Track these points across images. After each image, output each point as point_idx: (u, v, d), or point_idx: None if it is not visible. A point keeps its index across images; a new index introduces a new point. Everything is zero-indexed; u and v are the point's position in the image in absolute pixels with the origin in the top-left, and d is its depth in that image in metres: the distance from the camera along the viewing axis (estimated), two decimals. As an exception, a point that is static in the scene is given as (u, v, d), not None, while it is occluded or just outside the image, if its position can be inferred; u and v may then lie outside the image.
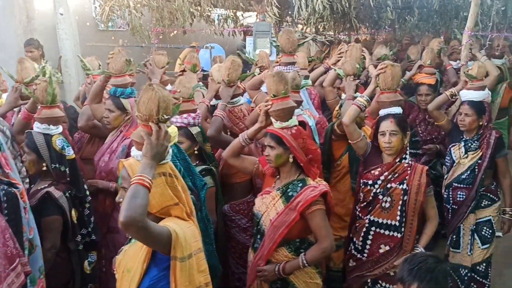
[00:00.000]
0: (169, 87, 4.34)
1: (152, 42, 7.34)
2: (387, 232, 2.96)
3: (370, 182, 3.01)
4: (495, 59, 6.05)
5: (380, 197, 2.97)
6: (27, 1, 6.83)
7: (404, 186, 2.92)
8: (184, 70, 4.37)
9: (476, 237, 3.67)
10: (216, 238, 2.86)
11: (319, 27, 8.74)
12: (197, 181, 2.72)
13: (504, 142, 3.78)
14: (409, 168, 2.94)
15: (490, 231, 3.67)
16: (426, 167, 2.98)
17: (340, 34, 9.38)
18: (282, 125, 2.65)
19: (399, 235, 2.92)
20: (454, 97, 3.96)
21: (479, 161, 3.66)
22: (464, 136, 3.79)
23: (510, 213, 3.67)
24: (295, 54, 3.88)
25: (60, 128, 2.96)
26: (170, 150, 1.96)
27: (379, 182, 2.98)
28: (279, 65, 3.81)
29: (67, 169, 2.88)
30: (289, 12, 7.12)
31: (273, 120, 2.70)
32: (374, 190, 2.99)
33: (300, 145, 2.62)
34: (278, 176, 2.77)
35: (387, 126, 2.93)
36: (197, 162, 3.10)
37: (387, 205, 2.95)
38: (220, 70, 3.74)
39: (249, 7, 7.68)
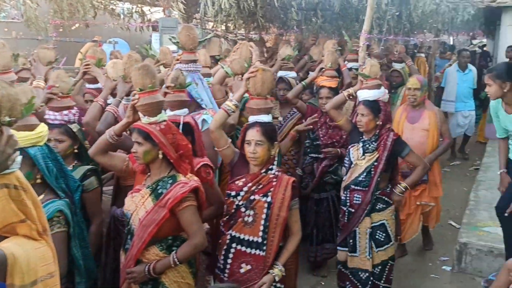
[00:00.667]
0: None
1: (50, 35, 6.90)
2: (248, 250, 2.75)
3: (233, 193, 2.81)
4: (396, 63, 6.46)
5: (243, 210, 2.77)
6: None
7: (268, 199, 2.74)
8: (89, 65, 4.16)
9: (371, 240, 3.63)
10: None
11: (229, 25, 8.78)
12: (71, 183, 2.63)
13: (403, 142, 3.73)
14: (274, 180, 2.79)
15: (384, 234, 3.61)
16: (293, 179, 2.84)
17: (250, 33, 9.51)
18: (150, 120, 2.56)
19: (262, 253, 2.72)
20: (351, 97, 3.91)
21: (375, 163, 3.58)
22: (363, 136, 3.71)
23: (401, 188, 3.66)
24: (196, 52, 3.82)
25: None
26: (19, 158, 1.61)
27: (241, 193, 2.78)
28: (180, 62, 3.73)
29: None
30: (197, 9, 7.05)
31: (140, 115, 2.61)
32: (236, 202, 2.79)
33: (170, 141, 2.54)
34: (149, 174, 2.66)
35: (253, 135, 2.76)
36: (75, 162, 2.98)
37: (250, 219, 2.75)
38: (114, 66, 3.61)
39: (156, 1, 7.50)
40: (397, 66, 6.37)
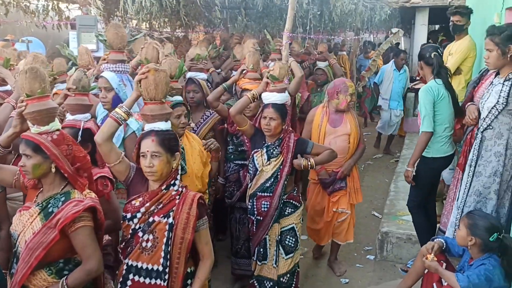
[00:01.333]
0: None
1: (-45, 33, 6.37)
2: (148, 280, 2.40)
3: (128, 215, 2.43)
4: (320, 62, 6.62)
5: (140, 234, 2.40)
6: None
7: (170, 220, 2.38)
8: None
9: (280, 247, 3.56)
10: None
11: (153, 23, 8.59)
12: None
13: (305, 139, 3.73)
14: (177, 197, 2.44)
15: (294, 239, 3.58)
16: (200, 195, 2.51)
17: (176, 31, 9.37)
18: (40, 129, 2.31)
19: (163, 284, 2.38)
20: (255, 100, 3.69)
21: (280, 167, 3.53)
22: (266, 141, 3.60)
23: (308, 161, 3.53)
24: (124, 51, 3.65)
25: None
26: None
27: (138, 215, 2.41)
28: (107, 62, 3.56)
29: None
30: (117, 7, 6.82)
31: (30, 124, 2.35)
32: (132, 226, 2.42)
33: (64, 153, 2.30)
34: (41, 189, 2.41)
35: (147, 146, 2.42)
36: None
37: (149, 244, 2.40)
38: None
39: (73, -2, 7.17)
40: (321, 64, 6.53)
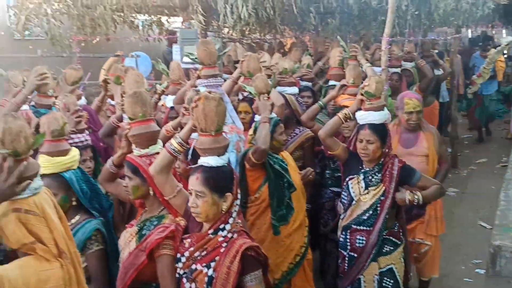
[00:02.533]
0: (82, 101, 4.21)
1: (73, 51, 7.03)
2: None
3: (178, 256, 2.22)
4: (406, 62, 6.38)
5: (184, 281, 2.16)
6: None
7: (210, 271, 2.07)
8: (107, 82, 4.25)
9: None
10: None
11: (244, 29, 8.82)
12: (103, 202, 2.70)
13: (411, 167, 3.20)
14: (224, 245, 2.10)
15: (392, 281, 3.13)
16: (246, 246, 2.08)
17: (265, 36, 9.54)
18: (141, 152, 2.40)
19: None
20: (348, 120, 3.34)
21: (382, 198, 3.09)
22: (364, 166, 3.21)
23: (414, 195, 3.09)
24: (216, 66, 3.79)
25: None
26: (35, 183, 1.80)
27: (183, 259, 2.18)
28: (200, 78, 3.72)
29: None
30: (215, 17, 7.12)
31: (133, 146, 2.46)
32: (178, 270, 2.20)
33: None
34: (146, 209, 2.49)
35: (192, 183, 2.15)
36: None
37: None
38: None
39: (174, 12, 7.58)
40: (407, 65, 6.25)
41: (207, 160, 2.17)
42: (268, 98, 3.34)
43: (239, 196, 2.20)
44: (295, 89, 4.36)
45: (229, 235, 2.13)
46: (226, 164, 2.20)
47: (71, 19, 7.00)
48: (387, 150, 3.17)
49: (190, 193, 2.14)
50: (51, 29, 6.55)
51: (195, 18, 6.05)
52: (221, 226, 2.13)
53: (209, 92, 2.16)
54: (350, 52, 4.86)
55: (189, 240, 2.19)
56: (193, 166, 2.22)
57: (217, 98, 2.15)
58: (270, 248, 3.15)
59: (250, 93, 3.54)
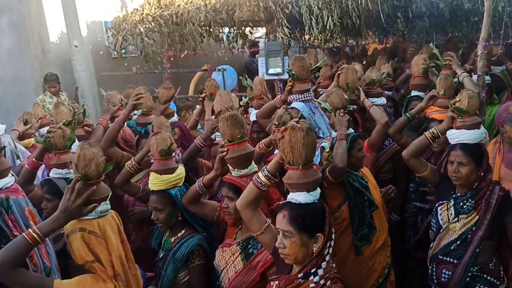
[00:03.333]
0: (174, 118, 4.38)
1: (164, 67, 7.42)
2: None
3: None
4: (495, 66, 5.92)
5: None
6: (42, 36, 6.97)
7: None
8: (204, 98, 4.38)
9: None
10: None
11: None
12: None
13: None
14: None
15: None
16: None
17: (347, 40, 9.42)
18: (241, 173, 2.42)
19: None
20: (437, 139, 3.04)
21: (473, 228, 2.69)
22: (456, 191, 2.85)
23: None
24: (308, 80, 3.79)
25: None
26: (101, 207, 1.96)
27: None
28: (294, 94, 3.73)
29: None
30: (298, 29, 7.17)
31: (230, 167, 2.46)
32: None
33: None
34: (240, 227, 2.48)
35: (279, 222, 1.97)
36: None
37: None
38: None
39: (258, 24, 7.73)
40: (497, 69, 5.76)
41: (295, 196, 1.97)
42: (344, 113, 3.18)
43: (333, 236, 1.97)
44: (383, 100, 4.19)
45: (322, 281, 1.90)
46: (316, 201, 1.99)
47: (162, 36, 7.40)
48: (483, 174, 2.77)
49: (278, 232, 1.97)
50: (144, 47, 6.96)
51: (280, 30, 6.12)
52: (313, 271, 1.90)
53: (297, 122, 2.00)
54: (444, 60, 4.55)
55: (276, 282, 2.00)
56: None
57: (305, 128, 1.95)
58: (352, 269, 2.96)
59: (325, 109, 3.42)
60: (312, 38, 8.95)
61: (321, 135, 3.59)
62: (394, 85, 5.18)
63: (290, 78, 3.67)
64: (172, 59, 7.62)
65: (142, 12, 7.04)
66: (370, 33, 9.30)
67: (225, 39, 8.42)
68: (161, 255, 2.69)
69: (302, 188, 1.96)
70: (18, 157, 3.40)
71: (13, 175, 2.46)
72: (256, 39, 9.32)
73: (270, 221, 2.17)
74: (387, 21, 6.92)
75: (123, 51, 7.38)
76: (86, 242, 1.92)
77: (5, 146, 2.60)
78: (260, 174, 2.13)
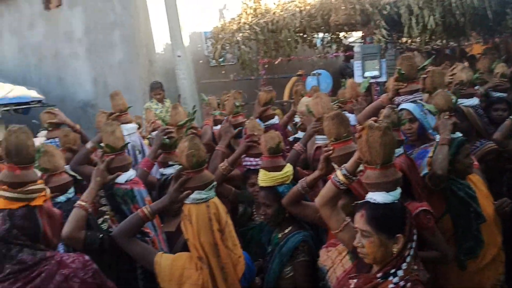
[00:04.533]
0: (274, 120, 4.45)
1: (260, 73, 7.62)
2: None
3: None
4: None
5: None
6: (149, 48, 7.51)
7: None
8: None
9: None
10: None
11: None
12: None
13: None
14: None
15: None
16: None
17: (448, 43, 8.96)
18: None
19: None
20: None
21: None
22: None
23: None
24: (417, 81, 3.65)
25: None
26: (197, 195, 2.20)
27: None
28: (402, 95, 3.61)
29: None
30: (395, 31, 6.97)
31: (335, 166, 2.39)
32: None
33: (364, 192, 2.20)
34: None
35: (356, 221, 1.97)
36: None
37: None
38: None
39: (353, 28, 7.66)
40: None
41: (373, 196, 1.94)
42: (450, 116, 3.01)
43: (415, 237, 1.91)
44: (474, 101, 3.92)
45: (401, 283, 1.84)
46: (396, 201, 1.94)
47: (258, 44, 7.62)
48: None
49: (356, 231, 1.96)
50: (241, 54, 7.22)
51: (377, 32, 6.02)
52: (392, 271, 1.86)
53: (375, 121, 1.96)
54: None
55: (355, 280, 1.98)
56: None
57: (383, 127, 1.90)
58: (456, 285, 2.80)
59: (429, 111, 3.24)
60: (409, 41, 8.68)
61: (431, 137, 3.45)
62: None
63: (396, 77, 3.56)
64: (266, 66, 7.83)
65: (239, 21, 7.34)
66: (474, 33, 8.78)
67: (318, 44, 8.47)
68: (269, 250, 2.77)
69: (381, 188, 1.93)
70: (140, 152, 3.67)
71: (134, 169, 2.70)
72: (350, 44, 9.22)
73: (349, 220, 2.15)
74: (494, 19, 6.51)
75: (221, 59, 7.71)
76: (183, 223, 2.19)
77: (128, 143, 2.84)
78: (338, 172, 2.13)
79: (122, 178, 2.54)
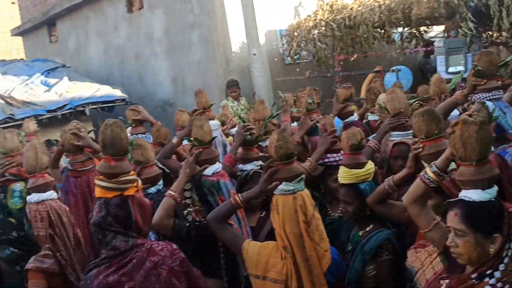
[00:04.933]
0: (354, 117, 4.34)
1: (336, 70, 7.50)
2: None
3: None
4: None
5: None
6: (226, 46, 7.66)
7: None
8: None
9: None
10: None
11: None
12: None
13: None
14: None
15: None
16: None
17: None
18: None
19: None
20: None
21: None
22: None
23: None
24: (498, 77, 3.39)
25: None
26: (285, 186, 2.22)
27: None
28: (479, 92, 3.37)
29: None
30: (482, 23, 6.56)
31: (425, 165, 2.30)
32: None
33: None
34: None
35: (450, 219, 1.87)
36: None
37: None
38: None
39: (435, 22, 7.31)
40: None
41: (468, 194, 1.85)
42: None
43: None
44: None
45: (499, 285, 1.74)
46: (492, 199, 1.84)
47: (334, 40, 7.51)
48: None
49: (449, 230, 1.87)
50: (317, 51, 7.15)
51: (463, 26, 5.69)
52: (488, 272, 1.77)
53: (470, 116, 1.89)
54: None
55: (447, 281, 1.90)
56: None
57: (478, 122, 1.84)
58: None
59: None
60: (496, 34, 8.13)
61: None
62: None
63: (473, 73, 3.35)
64: (342, 62, 7.70)
65: (315, 18, 7.26)
66: None
67: (396, 39, 8.18)
68: (350, 248, 2.73)
69: (476, 185, 1.83)
70: (225, 147, 3.77)
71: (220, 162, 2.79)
72: (431, 38, 8.81)
73: (440, 218, 2.08)
74: None
75: (296, 56, 7.69)
76: (272, 213, 2.23)
77: (215, 137, 2.95)
78: (428, 169, 2.07)
79: (209, 170, 2.63)
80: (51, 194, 2.71)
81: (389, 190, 2.55)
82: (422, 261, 2.34)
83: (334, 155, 3.19)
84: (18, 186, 3.36)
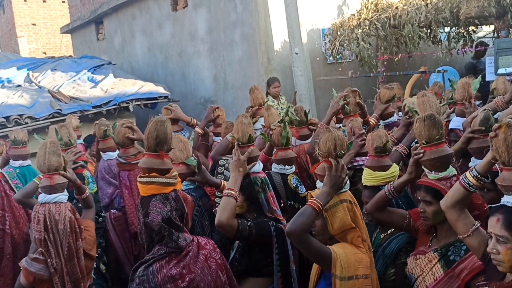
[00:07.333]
0: (394, 118, 4.24)
1: (379, 70, 7.37)
2: None
3: None
4: None
5: None
6: (268, 45, 7.66)
7: None
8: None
9: None
10: None
11: None
12: None
13: None
14: None
15: None
16: None
17: None
18: (439, 175, 2.28)
19: None
20: None
21: None
22: None
23: None
24: None
25: (293, 168, 3.22)
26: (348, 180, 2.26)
27: None
28: None
29: (300, 206, 2.99)
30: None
31: (426, 170, 2.35)
32: None
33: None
34: (434, 234, 2.36)
35: (491, 225, 1.83)
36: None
37: None
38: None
39: (485, 22, 7.05)
40: None
41: (511, 200, 1.81)
42: None
43: None
44: None
45: None
46: None
47: (378, 40, 7.37)
48: None
49: (490, 236, 1.84)
50: (360, 51, 7.04)
51: (516, 25, 5.48)
52: None
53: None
54: None
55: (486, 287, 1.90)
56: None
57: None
58: None
59: None
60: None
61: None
62: None
63: None
64: (385, 62, 7.55)
65: (359, 17, 7.15)
66: None
67: (443, 39, 7.94)
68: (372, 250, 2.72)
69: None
70: None
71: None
72: (480, 39, 8.50)
73: (479, 224, 2.04)
74: None
75: (339, 56, 7.60)
76: (349, 210, 2.23)
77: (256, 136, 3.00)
78: (468, 174, 2.02)
79: (258, 167, 2.72)
80: (55, 197, 2.63)
81: (389, 196, 2.52)
82: (422, 267, 2.35)
83: (364, 158, 3.13)
84: (87, 172, 3.54)
